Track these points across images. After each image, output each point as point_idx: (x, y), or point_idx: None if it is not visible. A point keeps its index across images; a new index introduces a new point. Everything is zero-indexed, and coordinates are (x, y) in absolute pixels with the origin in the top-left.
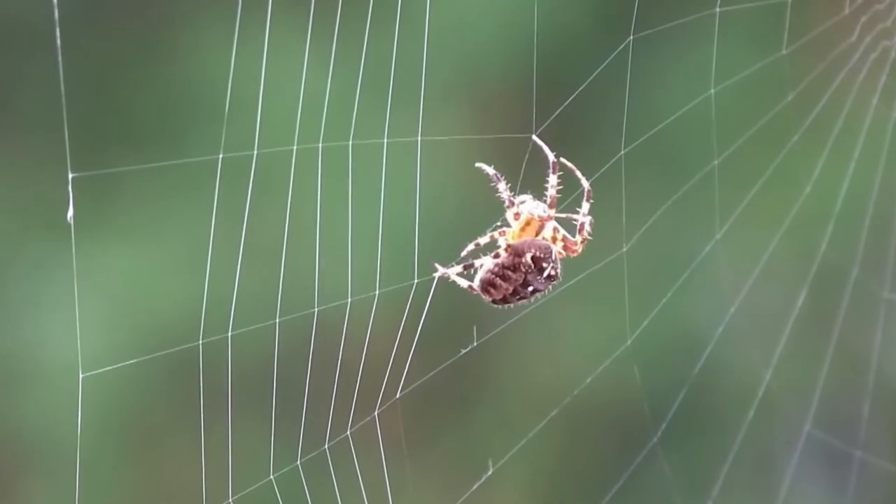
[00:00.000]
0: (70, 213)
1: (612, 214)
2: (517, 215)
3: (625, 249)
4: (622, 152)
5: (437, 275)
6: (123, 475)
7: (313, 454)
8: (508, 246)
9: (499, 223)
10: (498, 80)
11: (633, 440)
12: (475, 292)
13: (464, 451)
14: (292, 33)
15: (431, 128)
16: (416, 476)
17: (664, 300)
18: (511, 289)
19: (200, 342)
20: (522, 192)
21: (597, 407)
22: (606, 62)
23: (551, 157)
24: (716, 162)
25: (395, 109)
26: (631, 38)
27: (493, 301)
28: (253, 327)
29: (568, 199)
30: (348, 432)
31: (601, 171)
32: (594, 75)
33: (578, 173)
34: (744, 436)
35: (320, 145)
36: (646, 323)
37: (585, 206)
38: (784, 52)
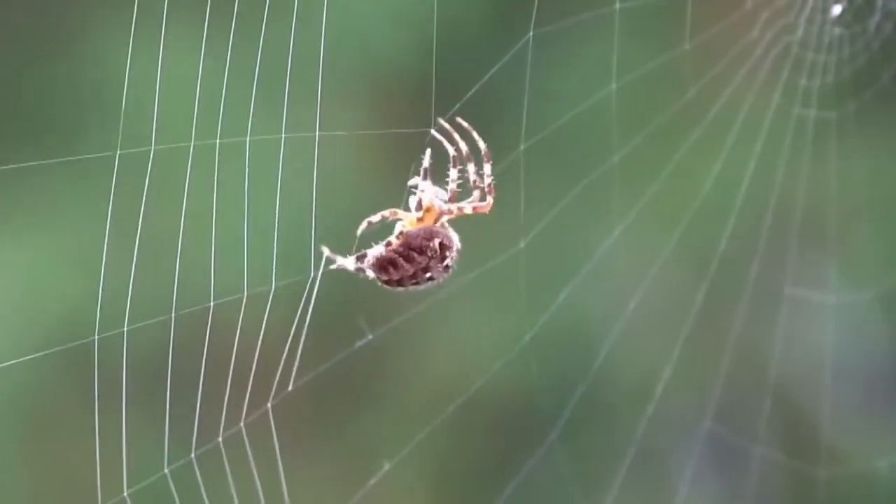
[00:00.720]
0: None
1: (511, 210)
2: (419, 204)
3: (522, 245)
4: (521, 147)
5: (333, 266)
6: (15, 471)
7: (207, 447)
8: (401, 233)
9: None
10: (393, 75)
11: (530, 436)
12: (363, 274)
13: (358, 445)
14: (188, 29)
15: (328, 124)
16: (310, 469)
17: (562, 296)
18: (411, 272)
19: (96, 337)
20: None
21: (494, 402)
22: (507, 58)
23: (451, 150)
24: (616, 158)
25: (292, 106)
26: (531, 33)
27: (387, 282)
28: (147, 322)
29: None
30: (241, 424)
31: (500, 165)
32: (493, 70)
33: (476, 134)
34: (643, 431)
35: (217, 141)
36: (544, 319)
37: (487, 168)
38: (686, 47)
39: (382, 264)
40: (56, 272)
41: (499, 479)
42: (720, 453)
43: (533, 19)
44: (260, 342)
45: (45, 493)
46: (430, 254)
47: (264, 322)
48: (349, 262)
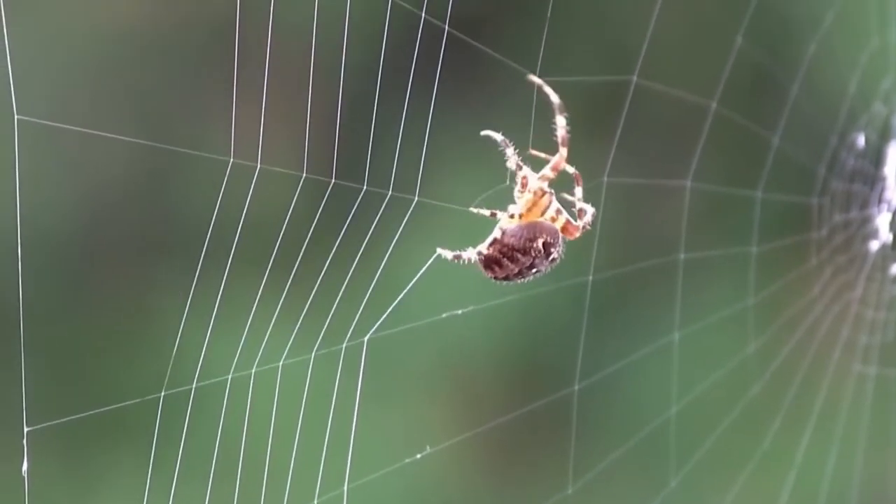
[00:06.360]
0: (25, 466)
1: (560, 453)
2: (524, 182)
3: (570, 492)
4: (576, 387)
5: (441, 253)
6: None
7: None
8: (500, 236)
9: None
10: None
11: None
12: (478, 268)
13: None
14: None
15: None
16: None
17: None
18: (516, 270)
19: None
20: None
21: None
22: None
23: (555, 99)
24: (673, 410)
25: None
26: (590, 277)
27: (495, 277)
28: None
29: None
30: None
31: (551, 401)
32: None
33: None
34: None
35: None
36: None
37: (578, 191)
38: (751, 301)
39: (489, 263)
40: None
41: None
42: None
43: (592, 265)
44: None
45: None
46: (533, 253)
47: None
48: (447, 254)
